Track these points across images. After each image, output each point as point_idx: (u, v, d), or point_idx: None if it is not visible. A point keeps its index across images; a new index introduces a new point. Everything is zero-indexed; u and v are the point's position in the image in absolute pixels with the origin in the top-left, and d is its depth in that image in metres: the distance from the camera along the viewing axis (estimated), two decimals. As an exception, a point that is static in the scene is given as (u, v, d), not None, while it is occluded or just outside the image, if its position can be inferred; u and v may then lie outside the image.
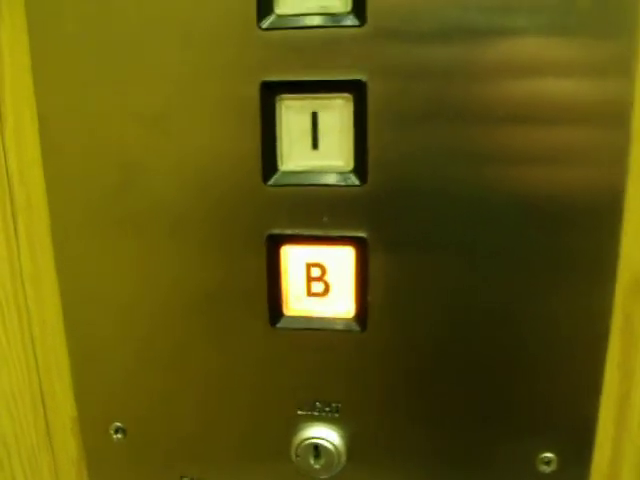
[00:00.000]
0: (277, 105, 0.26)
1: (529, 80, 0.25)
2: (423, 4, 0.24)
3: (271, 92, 0.26)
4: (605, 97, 0.25)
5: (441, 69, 0.25)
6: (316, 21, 0.25)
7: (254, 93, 0.26)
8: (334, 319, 0.28)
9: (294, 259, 0.28)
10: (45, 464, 0.34)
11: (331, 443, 0.29)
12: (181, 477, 0.32)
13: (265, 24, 0.25)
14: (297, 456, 0.30)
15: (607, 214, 0.26)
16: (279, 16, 0.25)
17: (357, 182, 0.27)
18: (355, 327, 0.28)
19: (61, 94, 0.28)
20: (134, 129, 0.28)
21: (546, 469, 0.30)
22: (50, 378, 0.32)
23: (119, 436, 0.32)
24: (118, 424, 0.32)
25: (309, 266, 0.28)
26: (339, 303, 0.28)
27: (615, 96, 0.25)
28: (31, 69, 0.28)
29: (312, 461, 0.30)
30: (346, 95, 0.26)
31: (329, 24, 0.25)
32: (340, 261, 0.28)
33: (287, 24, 0.25)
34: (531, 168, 0.26)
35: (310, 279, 0.28)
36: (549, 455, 0.29)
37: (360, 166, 0.26)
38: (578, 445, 0.30)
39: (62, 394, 0.33)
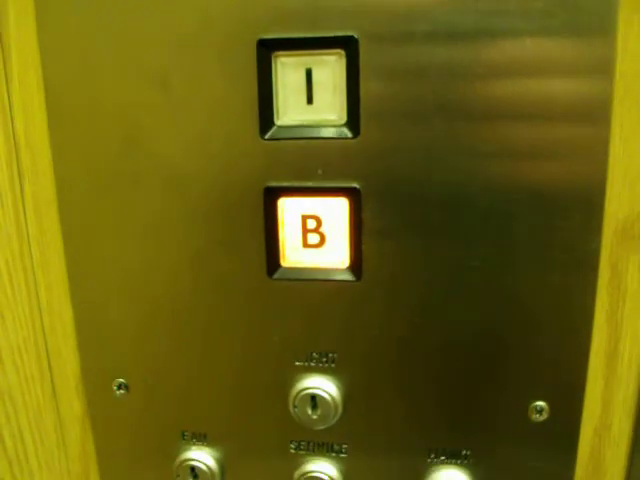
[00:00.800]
0: (273, 62, 0.28)
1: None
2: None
3: (267, 49, 0.27)
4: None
5: (426, 36, 0.26)
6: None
7: (251, 51, 0.27)
8: (329, 270, 0.29)
9: (290, 211, 0.29)
10: (50, 420, 0.34)
11: (328, 393, 0.30)
12: (182, 432, 0.33)
13: None
14: (295, 407, 0.31)
15: (592, 157, 0.27)
16: None
17: (350, 135, 0.28)
18: (350, 277, 0.29)
19: (66, 59, 0.29)
20: (136, 90, 0.29)
21: (538, 417, 0.30)
22: (55, 336, 0.33)
23: (122, 392, 0.33)
24: (121, 380, 0.33)
25: (305, 218, 0.29)
26: (334, 254, 0.29)
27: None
28: (37, 35, 0.29)
29: (310, 411, 0.31)
30: (339, 51, 0.27)
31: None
32: (334, 212, 0.29)
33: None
34: (518, 126, 0.27)
35: (306, 230, 0.29)
36: (541, 404, 0.30)
37: (353, 120, 0.28)
38: (569, 395, 0.30)
39: (67, 352, 0.34)
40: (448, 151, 0.27)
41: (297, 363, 0.31)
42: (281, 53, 0.28)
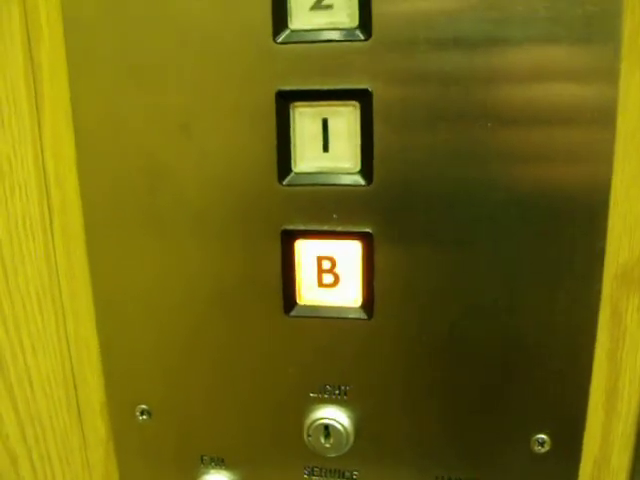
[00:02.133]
0: (291, 112, 0.29)
1: (524, 85, 0.27)
2: (422, 19, 0.27)
3: (285, 100, 0.29)
4: (593, 100, 0.27)
5: (439, 76, 0.27)
6: (326, 36, 0.28)
7: (270, 101, 0.29)
8: (343, 308, 0.31)
9: (306, 252, 0.31)
10: (76, 443, 0.36)
11: (340, 424, 0.32)
12: (201, 456, 0.35)
13: (280, 38, 0.28)
14: (309, 436, 0.32)
15: (594, 209, 0.28)
16: (293, 31, 0.28)
17: (363, 182, 0.29)
18: (362, 315, 0.31)
19: (95, 106, 0.31)
20: (161, 136, 0.30)
21: (540, 450, 0.32)
22: (82, 365, 0.35)
23: (144, 417, 0.35)
24: (144, 406, 0.34)
25: (320, 259, 0.31)
26: (347, 293, 0.31)
27: (602, 99, 0.27)
28: (68, 83, 0.31)
29: (323, 440, 0.32)
30: (353, 102, 0.29)
31: (338, 38, 0.28)
32: (348, 254, 0.30)
33: (300, 38, 0.28)
34: (526, 167, 0.28)
35: (321, 271, 0.31)
36: (543, 436, 0.32)
37: (366, 168, 0.29)
38: (570, 428, 0.32)
39: (92, 380, 0.35)
40: (458, 198, 0.29)
41: (311, 394, 0.32)
42: (299, 104, 0.29)
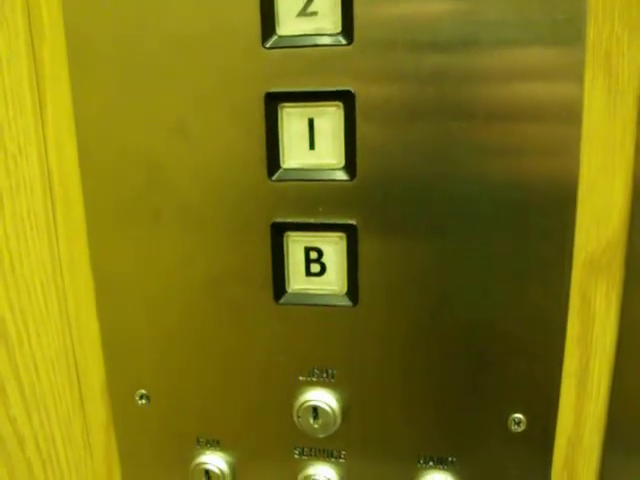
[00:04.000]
0: (279, 112, 0.31)
1: (496, 85, 0.29)
2: (399, 24, 0.29)
3: (274, 101, 0.31)
4: (561, 98, 0.29)
5: (416, 76, 0.29)
6: (312, 41, 0.30)
7: (260, 102, 0.31)
8: (329, 295, 0.33)
9: (294, 244, 0.33)
10: (78, 427, 0.38)
11: (328, 405, 0.34)
12: (197, 438, 0.37)
13: (268, 44, 0.30)
14: (298, 417, 0.34)
15: (563, 200, 0.30)
16: (280, 36, 0.30)
17: (347, 177, 0.31)
18: (347, 303, 0.33)
19: (95, 103, 0.33)
20: (158, 135, 0.32)
21: (517, 429, 0.34)
22: (83, 352, 0.37)
23: (143, 402, 0.37)
24: (143, 391, 0.36)
25: (307, 250, 0.33)
26: (333, 282, 0.33)
27: (568, 97, 0.29)
28: (70, 84, 0.33)
29: (311, 421, 0.34)
30: (337, 103, 0.31)
31: (323, 43, 0.30)
32: (334, 245, 0.32)
33: (287, 43, 0.30)
34: (498, 162, 0.30)
35: (309, 261, 0.33)
36: (519, 416, 0.33)
37: (350, 164, 0.31)
38: (544, 409, 0.34)
39: (94, 365, 0.37)
40: (434, 191, 0.31)
41: (300, 378, 0.34)
42: (286, 105, 0.31)
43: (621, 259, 0.32)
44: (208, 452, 0.37)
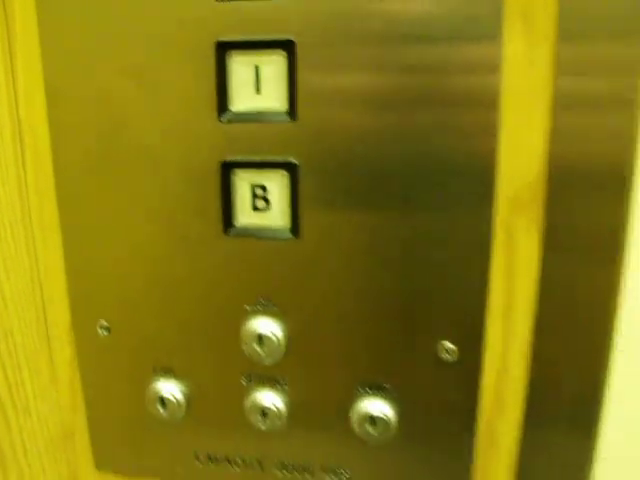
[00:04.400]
0: (228, 60, 0.34)
1: (418, 40, 0.32)
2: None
3: (223, 50, 0.34)
4: (481, 47, 0.32)
5: (354, 34, 0.32)
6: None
7: (211, 51, 0.34)
8: (273, 229, 0.36)
9: (241, 181, 0.36)
10: (44, 358, 0.41)
11: (272, 333, 0.37)
12: (153, 366, 0.39)
13: (218, -4, 0.33)
14: (245, 344, 0.37)
15: (486, 144, 0.33)
16: (229, -9, 0.33)
17: (289, 119, 0.34)
18: (289, 236, 0.36)
19: (63, 54, 0.36)
20: (120, 83, 0.35)
21: (449, 358, 0.37)
22: (50, 287, 0.40)
23: (105, 333, 0.39)
24: (104, 323, 0.39)
25: (253, 187, 0.36)
26: (277, 216, 0.36)
27: (489, 45, 0.32)
28: (39, 39, 0.36)
29: (257, 348, 0.37)
30: (281, 51, 0.34)
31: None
32: (277, 182, 0.35)
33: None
34: (427, 109, 0.33)
35: (254, 197, 0.36)
36: (450, 346, 0.36)
37: (292, 107, 0.34)
38: (473, 340, 0.37)
39: (59, 301, 0.40)
40: (369, 133, 0.34)
41: (247, 307, 0.37)
42: (235, 52, 0.34)
43: (542, 197, 0.35)
44: (163, 380, 0.39)
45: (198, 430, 0.41)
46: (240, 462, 0.41)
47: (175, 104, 0.35)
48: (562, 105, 0.33)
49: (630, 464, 0.39)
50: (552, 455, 0.38)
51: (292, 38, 0.33)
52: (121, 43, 0.35)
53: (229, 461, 0.41)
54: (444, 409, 0.38)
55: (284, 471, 0.40)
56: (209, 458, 0.41)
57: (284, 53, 0.34)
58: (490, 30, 0.32)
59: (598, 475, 0.38)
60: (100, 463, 0.43)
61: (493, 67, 0.32)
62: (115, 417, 0.41)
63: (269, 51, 0.34)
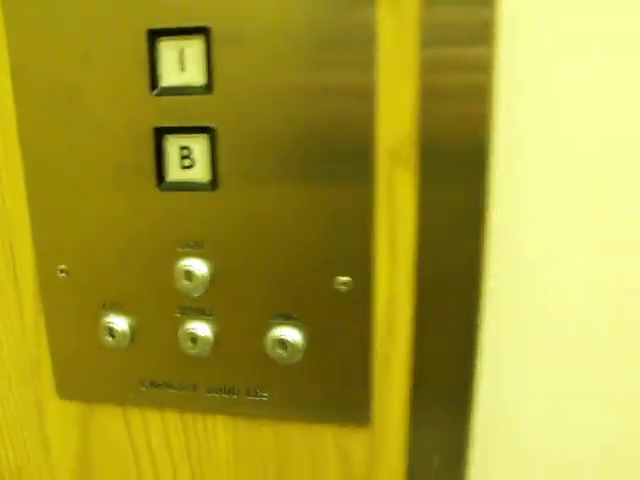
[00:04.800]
0: (157, 44, 0.42)
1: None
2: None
3: (153, 36, 0.42)
4: (358, 19, 0.40)
5: (264, 21, 0.40)
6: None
7: (143, 36, 0.42)
8: (197, 183, 0.44)
9: (171, 144, 0.44)
10: (12, 295, 0.49)
11: (199, 270, 0.44)
12: (104, 302, 0.47)
13: (148, -7, 0.41)
14: (177, 280, 0.45)
15: (364, 103, 0.41)
16: (158, -12, 0.41)
17: (208, 92, 0.42)
18: (210, 188, 0.43)
19: (28, 42, 0.44)
20: (74, 66, 0.44)
21: (344, 289, 0.44)
22: (18, 235, 0.48)
23: (63, 275, 0.47)
24: (62, 266, 0.47)
25: (181, 148, 0.44)
26: (200, 173, 0.44)
27: (365, 17, 0.40)
28: (4, 23, 0.44)
29: (186, 283, 0.45)
30: (200, 36, 0.42)
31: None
32: (200, 144, 0.43)
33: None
34: (314, 75, 0.41)
35: (182, 157, 0.44)
36: (345, 279, 0.44)
37: (209, 82, 0.42)
38: (364, 272, 0.44)
39: (24, 251, 0.48)
40: (271, 103, 0.41)
41: (178, 249, 0.45)
42: (163, 38, 0.42)
43: (416, 149, 0.42)
44: (112, 314, 0.47)
45: (142, 359, 0.48)
46: (177, 386, 0.48)
47: (116, 81, 0.43)
48: (427, 68, 0.40)
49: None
50: (441, 373, 0.46)
51: (208, 25, 0.41)
52: (74, 32, 0.43)
53: (168, 385, 0.48)
54: (344, 334, 0.45)
55: (213, 393, 0.48)
56: (152, 384, 0.49)
57: (203, 37, 0.42)
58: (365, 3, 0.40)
59: (485, 372, 0.46)
60: (62, 391, 0.51)
61: (370, 37, 0.40)
62: (73, 350, 0.49)
63: (190, 36, 0.42)
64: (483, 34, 0.39)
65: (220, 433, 0.50)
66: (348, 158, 0.42)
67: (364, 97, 0.41)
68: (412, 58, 0.41)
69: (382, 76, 0.41)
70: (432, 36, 0.40)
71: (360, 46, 0.40)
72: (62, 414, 0.52)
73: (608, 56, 0.40)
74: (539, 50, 0.41)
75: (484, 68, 0.40)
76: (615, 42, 0.40)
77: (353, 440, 0.48)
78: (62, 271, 0.47)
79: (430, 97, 0.41)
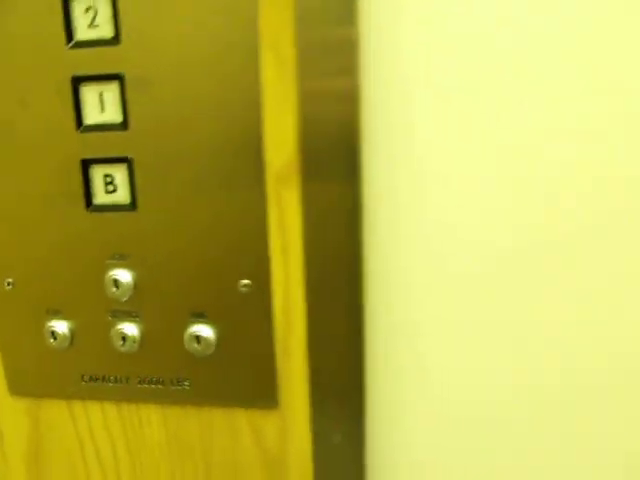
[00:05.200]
0: (80, 89, 0.50)
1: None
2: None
3: (77, 82, 0.50)
4: (242, 66, 0.48)
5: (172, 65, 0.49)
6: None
7: (69, 82, 0.50)
8: (120, 205, 0.52)
9: (96, 172, 0.52)
10: (-31, 308, 0.57)
11: (124, 278, 0.52)
12: (46, 309, 0.55)
13: (71, 45, 0.50)
14: (107, 288, 0.53)
15: (253, 134, 0.49)
16: (78, 42, 0.50)
17: (124, 128, 0.50)
18: (131, 209, 0.51)
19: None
20: (12, 105, 0.52)
21: (246, 290, 0.52)
22: (-28, 257, 0.56)
23: (10, 287, 0.55)
24: (9, 280, 0.55)
25: (105, 175, 0.52)
26: (122, 196, 0.52)
27: (247, 65, 0.48)
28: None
29: (114, 289, 0.52)
30: (115, 81, 0.50)
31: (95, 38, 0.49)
32: (121, 172, 0.51)
33: (82, 46, 0.49)
34: (211, 110, 0.49)
35: (106, 183, 0.52)
36: (246, 281, 0.52)
37: (125, 120, 0.50)
38: (263, 276, 0.52)
39: (-20, 267, 0.56)
40: (177, 136, 0.50)
41: (107, 261, 0.53)
42: (85, 84, 0.50)
43: (298, 171, 0.50)
44: (53, 319, 0.55)
45: (81, 357, 0.56)
46: (113, 379, 0.56)
47: (48, 120, 0.51)
48: (305, 99, 0.49)
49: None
50: (334, 360, 0.53)
51: (122, 72, 0.49)
52: (12, 80, 0.51)
53: (105, 379, 0.56)
54: (249, 330, 0.53)
55: (144, 384, 0.55)
56: (91, 378, 0.56)
57: (118, 82, 0.50)
58: (249, 57, 0.48)
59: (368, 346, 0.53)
60: (13, 388, 0.58)
61: (255, 78, 0.48)
62: (22, 351, 0.57)
63: (108, 82, 0.50)
64: (349, 68, 0.48)
65: (153, 420, 0.57)
66: (243, 182, 0.50)
67: (252, 129, 0.49)
68: (291, 94, 0.49)
69: (267, 111, 0.49)
70: (306, 73, 0.48)
71: (247, 87, 0.48)
72: (14, 408, 0.59)
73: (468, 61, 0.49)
74: (400, 74, 0.50)
75: (351, 98, 0.48)
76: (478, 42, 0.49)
77: (265, 422, 0.56)
78: (9, 283, 0.55)
79: (307, 125, 0.49)
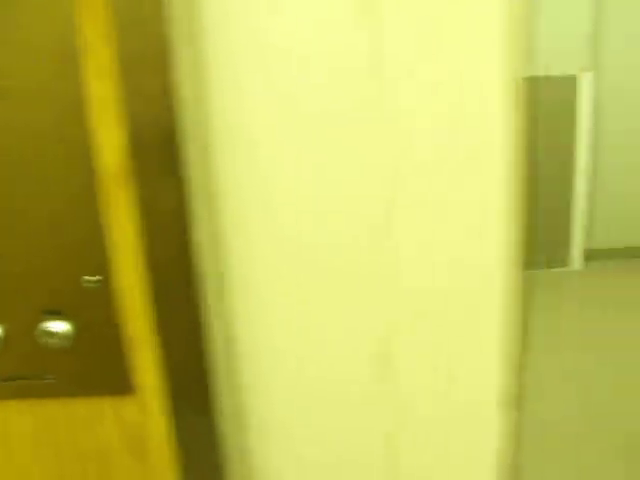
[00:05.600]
0: None
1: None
2: None
3: None
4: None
5: None
6: None
7: None
8: None
9: None
10: None
11: None
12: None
13: None
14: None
15: (77, 141, 0.54)
16: None
17: None
18: None
19: None
20: None
21: (93, 286, 0.57)
22: None
23: None
24: None
25: None
26: None
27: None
28: None
29: None
30: None
31: None
32: None
33: None
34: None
35: None
36: (93, 278, 0.57)
37: None
38: (106, 271, 0.57)
39: None
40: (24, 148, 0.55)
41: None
42: None
43: (127, 174, 0.55)
44: None
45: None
46: (-18, 379, 0.60)
47: None
48: (128, 103, 0.54)
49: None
50: (180, 346, 0.59)
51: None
52: None
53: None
54: (102, 323, 0.58)
55: (9, 381, 0.60)
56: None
57: None
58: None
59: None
60: None
61: (81, 102, 0.54)
62: None
63: None
64: (165, 69, 0.54)
65: (22, 415, 0.62)
66: (75, 182, 0.55)
67: (83, 143, 0.55)
68: (117, 113, 0.55)
69: (93, 113, 0.55)
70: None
71: (74, 109, 0.54)
72: None
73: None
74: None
75: (170, 99, 0.54)
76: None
77: (125, 407, 0.61)
78: None
79: (134, 127, 0.55)
